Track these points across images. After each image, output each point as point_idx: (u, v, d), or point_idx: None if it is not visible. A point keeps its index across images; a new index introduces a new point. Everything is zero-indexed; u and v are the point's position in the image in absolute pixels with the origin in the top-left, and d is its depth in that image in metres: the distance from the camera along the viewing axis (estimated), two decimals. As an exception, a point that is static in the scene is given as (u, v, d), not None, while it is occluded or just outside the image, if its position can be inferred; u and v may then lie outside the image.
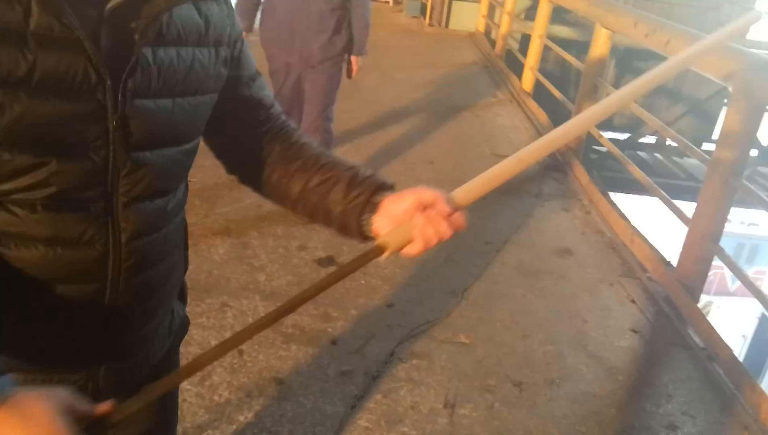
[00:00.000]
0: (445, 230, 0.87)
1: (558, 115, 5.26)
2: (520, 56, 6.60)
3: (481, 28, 8.81)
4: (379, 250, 0.86)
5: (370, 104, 5.33)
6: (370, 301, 2.76)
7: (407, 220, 0.87)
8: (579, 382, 2.37)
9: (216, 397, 2.16)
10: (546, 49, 6.00)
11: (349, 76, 3.54)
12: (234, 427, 2.05)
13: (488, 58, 7.30)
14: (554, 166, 4.31)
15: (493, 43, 7.86)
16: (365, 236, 0.92)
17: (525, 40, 7.06)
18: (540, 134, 4.87)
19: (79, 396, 0.73)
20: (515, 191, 3.91)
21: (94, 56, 0.70)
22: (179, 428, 2.02)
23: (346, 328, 2.58)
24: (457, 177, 3.98)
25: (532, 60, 5.96)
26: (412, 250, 0.88)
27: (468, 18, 9.14)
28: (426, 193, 0.87)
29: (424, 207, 0.87)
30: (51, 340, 0.82)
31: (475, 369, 2.39)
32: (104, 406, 0.74)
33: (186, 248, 1.05)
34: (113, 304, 0.83)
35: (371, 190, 0.91)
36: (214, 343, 2.41)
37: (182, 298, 1.09)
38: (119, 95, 0.73)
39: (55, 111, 0.69)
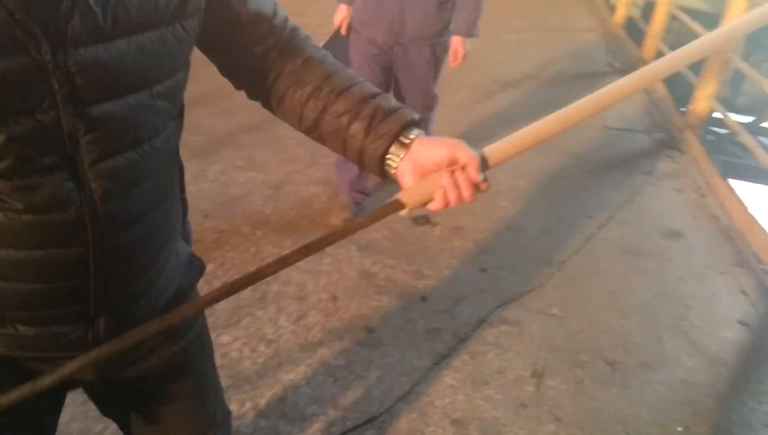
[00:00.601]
0: (469, 196, 0.83)
1: (678, 88, 4.93)
2: (641, 24, 6.20)
3: (601, -8, 8.32)
4: (399, 206, 0.83)
5: (474, 67, 5.19)
6: (463, 264, 2.74)
7: (432, 176, 0.83)
8: (677, 369, 2.26)
9: (310, 337, 2.25)
10: (671, 19, 5.59)
11: (450, 63, 2.76)
12: (325, 367, 2.12)
13: (606, 25, 6.91)
14: (669, 143, 4.06)
15: (612, 9, 7.43)
16: (385, 174, 0.88)
17: (648, 8, 6.61)
18: (658, 109, 4.60)
19: None
20: (624, 166, 3.73)
21: (14, 8, 0.60)
22: (275, 361, 2.13)
23: (438, 287, 2.58)
24: (564, 148, 3.84)
25: (655, 28, 5.59)
26: (430, 207, 0.84)
27: (587, -19, 8.64)
28: (461, 152, 0.82)
29: (454, 165, 0.82)
30: (42, 301, 0.78)
31: (567, 343, 2.34)
32: None
33: (182, 191, 0.97)
34: (100, 264, 0.78)
35: (398, 127, 0.85)
36: (310, 286, 2.50)
37: (186, 238, 1.03)
38: (58, 48, 0.63)
39: None
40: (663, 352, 2.34)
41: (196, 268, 1.06)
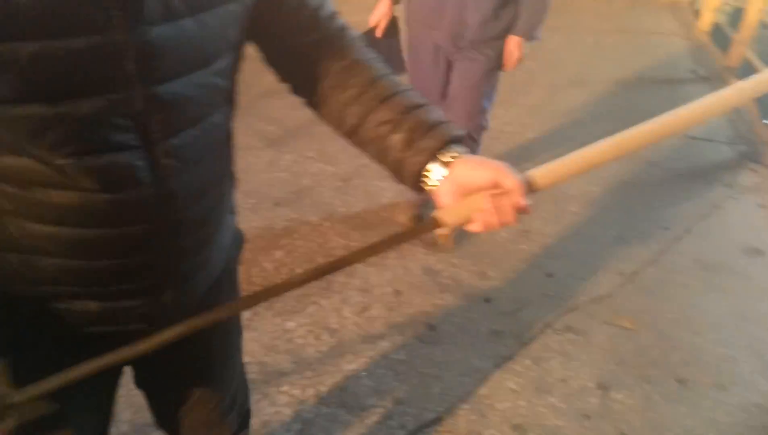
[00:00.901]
0: (511, 222, 0.79)
1: (765, 98, 4.68)
2: (729, 31, 5.92)
3: (686, -4, 7.99)
4: (437, 224, 0.81)
5: (551, 66, 5.10)
6: (529, 268, 2.70)
7: (473, 196, 0.80)
8: (752, 392, 2.16)
9: (372, 329, 2.26)
10: (762, 28, 5.32)
11: (502, 66, 2.46)
12: (386, 360, 2.13)
13: (690, 31, 6.64)
14: (753, 155, 3.87)
15: (697, 14, 7.12)
16: (421, 189, 0.85)
17: (736, 15, 6.31)
18: (742, 119, 4.38)
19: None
20: (704, 178, 3.57)
21: None
22: (338, 351, 2.15)
23: (502, 289, 2.55)
24: (641, 155, 3.71)
25: (743, 35, 5.33)
26: (469, 228, 0.81)
27: (672, -16, 8.32)
28: (505, 176, 0.78)
29: (497, 189, 0.78)
30: (112, 276, 0.80)
31: (636, 356, 2.26)
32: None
33: (233, 164, 0.98)
34: (168, 239, 0.80)
35: (439, 144, 0.82)
36: (374, 279, 2.51)
37: (233, 211, 1.04)
38: (132, 26, 0.64)
39: (61, 55, 0.60)
40: (737, 374, 2.23)
41: (239, 239, 1.08)
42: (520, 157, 3.58)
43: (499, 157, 4.03)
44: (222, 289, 1.03)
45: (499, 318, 2.39)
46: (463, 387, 2.06)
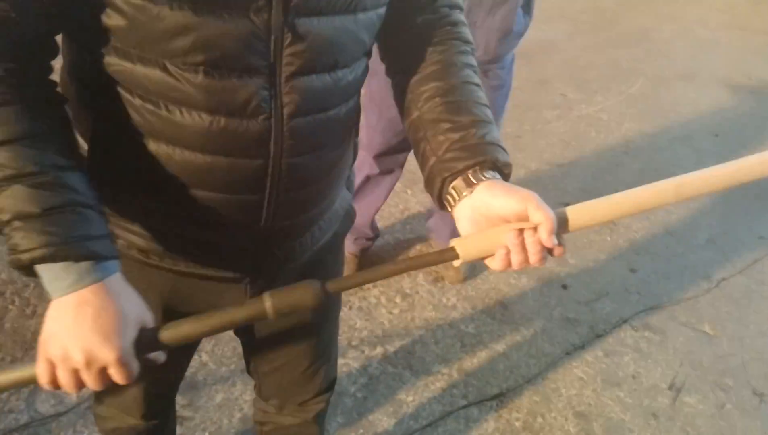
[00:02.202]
0: (538, 262, 0.71)
1: None
2: None
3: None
4: (452, 256, 0.72)
5: (660, 57, 4.88)
6: (611, 260, 2.64)
7: (498, 229, 0.72)
8: (836, 418, 2.04)
9: (444, 300, 2.29)
10: None
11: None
12: (455, 331, 2.16)
13: (818, 33, 6.14)
14: None
15: (829, 15, 6.56)
16: (443, 205, 0.79)
17: None
18: None
19: (150, 317, 0.72)
20: (814, 190, 3.35)
21: None
22: (409, 315, 2.20)
23: (581, 278, 2.51)
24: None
25: None
26: (489, 264, 0.74)
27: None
28: (534, 208, 0.70)
29: (524, 221, 0.70)
30: (219, 212, 0.79)
31: (713, 363, 2.18)
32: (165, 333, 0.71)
33: (356, 135, 0.95)
34: (277, 182, 0.78)
35: (473, 162, 0.75)
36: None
37: (349, 187, 1.01)
38: None
39: None
40: (823, 397, 2.12)
41: (350, 218, 1.06)
42: (614, 148, 3.47)
43: (593, 146, 3.88)
44: (325, 261, 1.03)
45: (574, 306, 2.36)
46: (529, 368, 2.07)
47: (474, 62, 0.86)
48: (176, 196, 0.77)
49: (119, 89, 0.71)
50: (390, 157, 2.17)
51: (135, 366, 0.69)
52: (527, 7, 1.98)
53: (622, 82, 4.25)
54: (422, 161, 0.81)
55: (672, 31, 5.47)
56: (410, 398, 1.90)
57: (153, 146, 0.73)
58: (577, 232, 2.39)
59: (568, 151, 3.47)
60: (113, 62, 0.69)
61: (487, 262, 0.74)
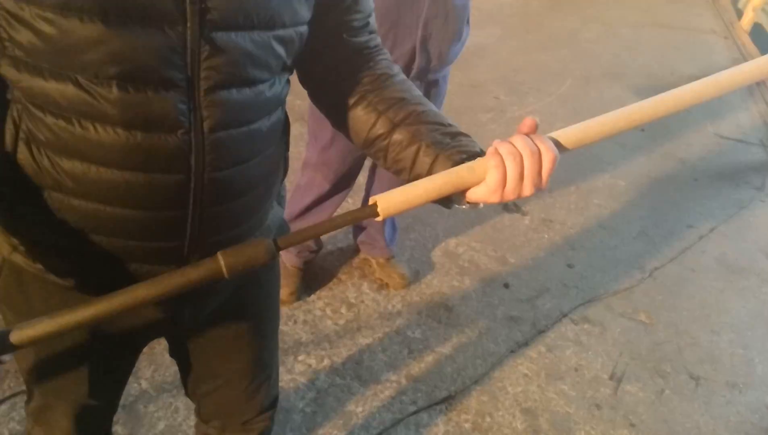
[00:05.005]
0: (540, 184, 0.78)
1: (804, 104, 4.57)
2: (771, 31, 5.79)
3: (729, -7, 7.80)
4: (373, 212, 0.74)
5: (586, 57, 5.05)
6: (549, 257, 2.70)
7: (495, 154, 0.76)
8: (765, 393, 2.15)
9: (390, 307, 2.29)
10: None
11: None
12: (402, 338, 2.17)
13: (730, 29, 6.49)
14: (786, 160, 3.80)
15: (739, 13, 6.96)
16: (449, 203, 0.82)
17: (780, 15, 6.16)
18: (778, 122, 4.30)
19: None
20: (733, 178, 3.52)
21: None
22: (355, 325, 2.19)
23: (521, 276, 2.56)
24: (670, 152, 3.68)
25: (786, 37, 5.21)
26: (479, 195, 0.77)
27: (715, -20, 8.12)
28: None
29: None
30: (139, 230, 0.77)
31: (651, 351, 2.26)
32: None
33: (287, 150, 0.95)
34: (199, 198, 0.76)
35: (461, 155, 0.81)
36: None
37: (280, 202, 1.01)
38: None
39: None
40: (752, 374, 2.23)
41: (283, 233, 1.03)
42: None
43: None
44: (259, 279, 1.01)
45: (516, 304, 2.41)
46: (476, 369, 2.09)
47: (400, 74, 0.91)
48: (94, 215, 0.75)
49: (30, 107, 0.69)
50: (345, 176, 2.14)
51: None
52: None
53: (552, 83, 4.38)
54: (421, 159, 0.83)
55: (597, 32, 5.67)
56: (360, 409, 1.89)
57: (67, 164, 0.71)
58: (515, 231, 2.40)
59: (503, 152, 3.52)
60: (23, 78, 0.67)
61: (478, 190, 0.77)
